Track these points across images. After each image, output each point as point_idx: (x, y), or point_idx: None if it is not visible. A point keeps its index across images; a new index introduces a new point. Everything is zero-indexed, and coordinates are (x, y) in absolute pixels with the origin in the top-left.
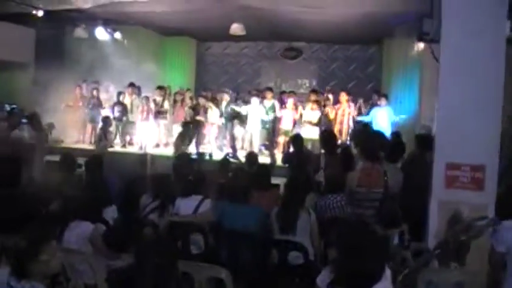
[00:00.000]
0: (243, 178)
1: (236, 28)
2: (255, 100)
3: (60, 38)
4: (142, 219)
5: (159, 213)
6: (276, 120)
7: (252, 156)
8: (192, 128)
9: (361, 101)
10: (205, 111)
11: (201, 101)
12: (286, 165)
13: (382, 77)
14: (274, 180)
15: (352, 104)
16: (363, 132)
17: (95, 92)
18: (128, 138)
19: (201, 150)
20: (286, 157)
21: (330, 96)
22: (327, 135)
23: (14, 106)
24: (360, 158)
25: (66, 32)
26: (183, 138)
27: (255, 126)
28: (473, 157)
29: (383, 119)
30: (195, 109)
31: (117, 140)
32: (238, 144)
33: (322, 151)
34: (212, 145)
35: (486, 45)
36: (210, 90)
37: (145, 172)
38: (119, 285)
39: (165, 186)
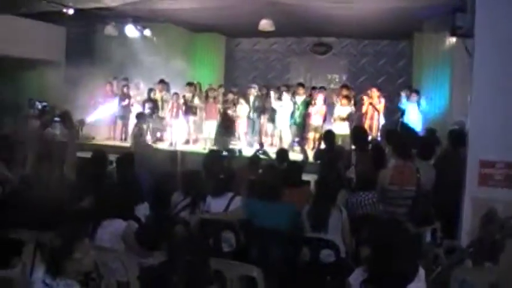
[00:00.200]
0: (273, 175)
1: (265, 24)
2: (285, 96)
3: (90, 36)
4: (174, 217)
5: (190, 211)
6: (306, 116)
7: (282, 153)
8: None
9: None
10: (235, 106)
11: (230, 96)
12: (318, 161)
13: (412, 72)
14: (305, 177)
15: (382, 100)
16: (395, 130)
17: (125, 89)
18: (158, 134)
19: (231, 147)
20: (318, 153)
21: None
22: (358, 132)
23: (45, 104)
24: (392, 156)
25: (96, 29)
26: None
27: (285, 122)
28: (508, 154)
29: (414, 114)
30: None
31: (148, 137)
32: (267, 141)
33: (353, 147)
34: (242, 141)
35: None
36: (239, 86)
37: (176, 169)
38: (151, 282)
39: (195, 183)
